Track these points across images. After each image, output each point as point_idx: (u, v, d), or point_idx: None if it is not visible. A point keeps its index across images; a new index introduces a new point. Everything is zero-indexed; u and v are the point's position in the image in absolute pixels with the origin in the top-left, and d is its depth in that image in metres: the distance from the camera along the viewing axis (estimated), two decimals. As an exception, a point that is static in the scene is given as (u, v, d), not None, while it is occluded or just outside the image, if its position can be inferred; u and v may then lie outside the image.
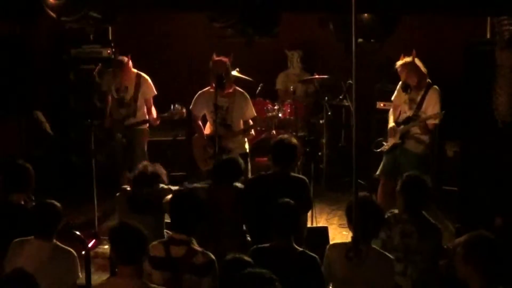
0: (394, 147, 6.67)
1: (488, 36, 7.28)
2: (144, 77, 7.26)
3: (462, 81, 6.31)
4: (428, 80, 6.51)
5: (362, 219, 4.07)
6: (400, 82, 6.61)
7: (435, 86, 6.49)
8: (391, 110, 6.89)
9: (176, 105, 7.03)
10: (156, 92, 7.31)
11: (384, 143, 6.79)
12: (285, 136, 5.45)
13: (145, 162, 5.52)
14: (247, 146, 6.90)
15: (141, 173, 5.36)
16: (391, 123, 6.76)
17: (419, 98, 6.50)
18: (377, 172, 6.83)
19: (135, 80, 7.22)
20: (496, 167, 5.73)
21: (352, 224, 4.16)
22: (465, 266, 3.56)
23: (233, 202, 5.12)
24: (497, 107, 5.89)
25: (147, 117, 7.29)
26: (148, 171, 5.36)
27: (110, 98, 7.37)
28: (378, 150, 6.85)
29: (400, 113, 6.71)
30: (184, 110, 7.04)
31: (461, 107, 6.13)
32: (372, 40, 6.36)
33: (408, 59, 6.47)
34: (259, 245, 4.24)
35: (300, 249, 4.22)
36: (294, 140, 5.35)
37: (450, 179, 7.78)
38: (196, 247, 4.10)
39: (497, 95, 5.92)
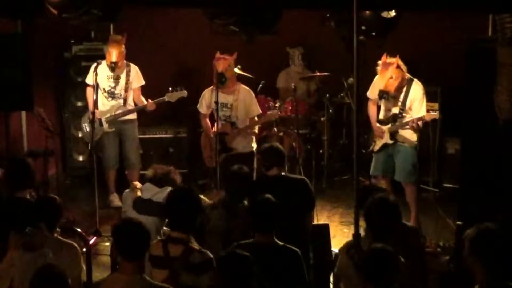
0: (384, 147, 6.67)
1: (490, 33, 7.28)
2: (133, 66, 7.36)
3: (463, 79, 6.30)
4: (409, 75, 6.52)
5: (380, 219, 4.14)
6: (373, 84, 6.59)
7: (417, 80, 6.50)
8: (370, 106, 6.79)
9: (176, 88, 7.08)
10: (144, 82, 7.40)
11: (375, 142, 6.77)
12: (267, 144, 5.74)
13: (158, 165, 5.61)
14: (254, 145, 6.88)
15: (153, 175, 5.45)
16: (374, 122, 6.74)
17: (402, 95, 6.49)
18: (371, 171, 6.83)
19: (126, 69, 7.32)
20: (497, 164, 5.72)
21: (369, 226, 4.24)
22: (470, 259, 3.57)
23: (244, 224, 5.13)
24: (499, 104, 5.87)
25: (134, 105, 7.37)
26: (158, 173, 5.43)
27: (92, 90, 7.15)
28: (369, 150, 6.84)
29: (379, 110, 6.71)
30: (184, 91, 7.08)
31: (462, 104, 6.12)
32: (373, 38, 6.37)
33: (391, 60, 6.44)
34: (241, 242, 4.26)
35: (281, 243, 4.25)
36: (277, 144, 5.71)
37: (451, 177, 7.78)
38: (194, 245, 4.12)
39: (499, 92, 5.90)
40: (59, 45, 8.47)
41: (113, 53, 7.13)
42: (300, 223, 5.21)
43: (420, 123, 6.38)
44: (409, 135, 6.55)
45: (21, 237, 4.18)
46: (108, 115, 7.29)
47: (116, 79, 7.30)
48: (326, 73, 8.16)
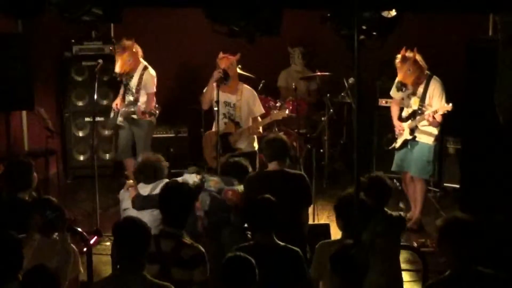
0: (405, 143, 6.75)
1: (490, 33, 7.28)
2: (148, 71, 7.31)
3: (464, 78, 6.32)
4: (428, 72, 6.57)
5: (351, 215, 4.12)
6: (396, 81, 6.67)
7: (436, 77, 6.57)
8: (392, 106, 6.93)
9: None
10: (155, 90, 7.33)
11: (397, 139, 6.83)
12: (273, 134, 5.61)
13: (147, 155, 5.56)
14: (256, 144, 6.89)
15: (142, 168, 5.41)
16: (395, 120, 6.81)
17: (421, 91, 6.57)
18: (392, 168, 6.97)
19: (141, 71, 7.28)
20: (497, 164, 5.72)
21: (343, 220, 4.28)
22: (440, 248, 3.70)
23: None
24: (499, 104, 5.87)
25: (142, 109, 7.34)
26: (148, 165, 5.40)
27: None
28: (390, 147, 6.90)
29: (402, 108, 6.77)
30: (157, 112, 7.11)
31: (463, 104, 6.14)
32: (374, 37, 6.36)
33: (409, 54, 6.50)
34: (241, 244, 4.26)
35: (282, 244, 4.25)
36: (283, 137, 5.57)
37: (451, 176, 7.79)
38: (186, 240, 4.14)
39: (499, 92, 5.91)
40: (60, 44, 8.47)
41: (117, 63, 7.18)
42: (297, 218, 5.20)
43: (437, 116, 6.43)
44: (428, 131, 6.62)
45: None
46: (124, 109, 7.33)
47: (130, 77, 7.31)
48: (327, 73, 8.16)
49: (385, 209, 4.74)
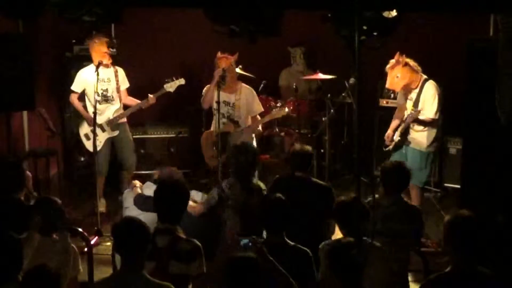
0: (396, 146, 6.73)
1: (491, 33, 7.28)
2: (119, 68, 7.31)
3: (465, 78, 6.30)
4: (424, 76, 6.55)
5: (353, 218, 4.27)
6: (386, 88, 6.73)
7: (431, 81, 6.53)
8: (395, 114, 6.92)
9: (172, 77, 7.02)
10: (128, 84, 7.35)
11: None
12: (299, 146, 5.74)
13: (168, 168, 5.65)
14: (254, 143, 6.91)
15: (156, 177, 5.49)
16: (393, 123, 6.79)
17: (415, 95, 6.55)
18: None
19: (114, 71, 7.25)
20: (498, 164, 5.72)
21: (344, 224, 4.37)
22: (444, 243, 3.79)
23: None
24: (500, 104, 5.87)
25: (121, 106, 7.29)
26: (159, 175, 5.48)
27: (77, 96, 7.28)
28: (386, 149, 6.91)
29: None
30: (181, 79, 7.03)
31: (464, 104, 6.13)
32: (374, 38, 6.37)
33: (401, 59, 6.50)
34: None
35: (292, 243, 4.26)
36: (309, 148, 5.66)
37: (452, 177, 7.79)
38: (181, 235, 4.15)
39: (500, 94, 5.91)
40: (61, 45, 8.48)
41: (104, 54, 7.09)
42: (313, 227, 5.17)
43: (423, 119, 6.43)
44: (420, 138, 6.59)
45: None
46: (106, 119, 7.23)
47: (107, 81, 7.21)
48: (330, 76, 8.11)
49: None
